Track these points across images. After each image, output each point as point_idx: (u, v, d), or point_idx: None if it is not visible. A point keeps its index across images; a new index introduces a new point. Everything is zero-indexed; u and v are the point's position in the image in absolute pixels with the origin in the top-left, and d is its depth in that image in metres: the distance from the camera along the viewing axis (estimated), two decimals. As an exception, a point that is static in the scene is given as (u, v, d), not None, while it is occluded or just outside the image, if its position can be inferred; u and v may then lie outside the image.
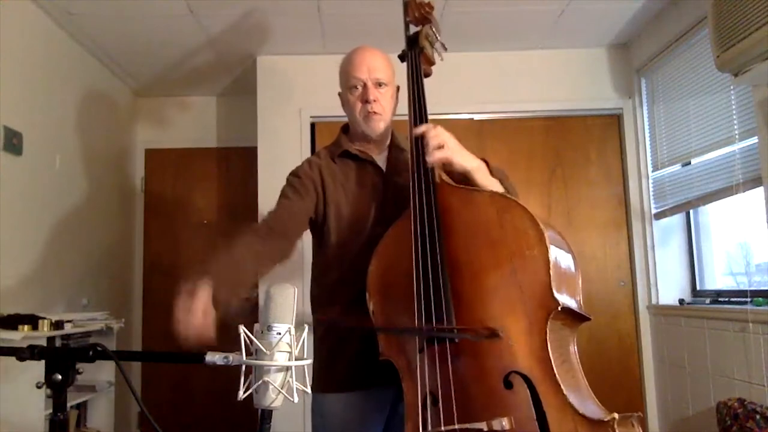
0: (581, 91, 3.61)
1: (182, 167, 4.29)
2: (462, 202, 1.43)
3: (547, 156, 3.62)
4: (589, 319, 1.35)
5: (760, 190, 2.45)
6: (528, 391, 1.22)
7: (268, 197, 3.53)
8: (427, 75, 1.69)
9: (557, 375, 1.21)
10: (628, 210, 3.54)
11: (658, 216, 3.39)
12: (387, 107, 1.64)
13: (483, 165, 1.52)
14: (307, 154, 3.58)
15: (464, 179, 1.50)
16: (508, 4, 3.08)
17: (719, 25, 2.31)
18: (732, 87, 2.64)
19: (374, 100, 1.60)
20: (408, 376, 1.35)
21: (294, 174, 1.67)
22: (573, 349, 1.35)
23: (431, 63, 1.69)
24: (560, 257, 1.33)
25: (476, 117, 3.64)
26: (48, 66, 3.05)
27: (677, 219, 3.37)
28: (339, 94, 1.71)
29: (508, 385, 1.23)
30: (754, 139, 2.50)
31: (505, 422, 1.19)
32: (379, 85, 1.62)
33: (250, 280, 1.53)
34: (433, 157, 1.44)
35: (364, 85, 1.61)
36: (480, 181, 1.49)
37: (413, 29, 1.72)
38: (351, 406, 1.56)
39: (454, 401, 1.26)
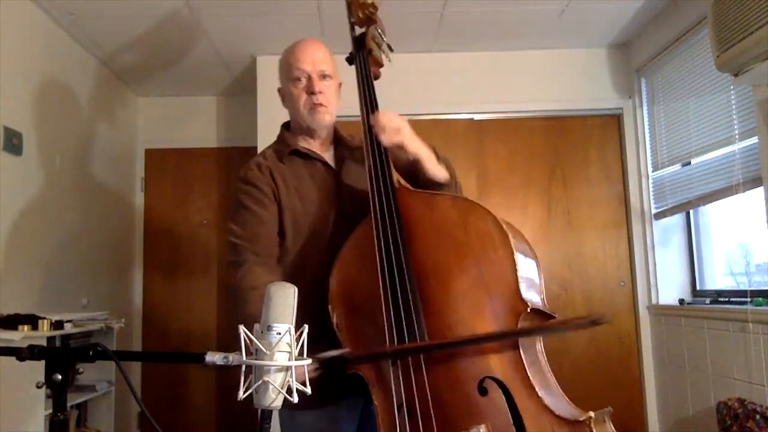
0: (581, 91, 3.61)
1: (182, 167, 4.29)
2: (423, 206, 1.40)
3: (547, 156, 3.62)
4: (554, 317, 1.32)
5: (760, 190, 2.45)
6: (503, 396, 1.20)
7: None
8: (377, 77, 1.64)
9: (530, 377, 1.19)
10: (628, 210, 3.54)
11: (658, 216, 3.39)
12: (332, 100, 1.58)
13: (432, 154, 1.52)
14: (307, 154, 3.58)
15: (410, 168, 1.51)
16: (508, 4, 3.07)
17: (719, 25, 2.31)
18: (732, 87, 2.64)
19: (320, 92, 1.54)
20: (379, 388, 1.30)
21: (247, 182, 1.53)
22: (540, 347, 1.32)
23: (380, 65, 1.65)
24: (524, 257, 1.31)
25: (476, 117, 3.64)
26: (48, 66, 3.05)
27: (677, 219, 3.37)
28: (279, 90, 1.63)
29: (483, 391, 1.21)
30: (754, 139, 2.50)
31: (482, 429, 1.17)
32: (324, 77, 1.56)
33: None
34: (390, 139, 1.44)
35: (309, 77, 1.54)
36: (430, 169, 1.50)
37: (358, 30, 1.68)
38: (323, 417, 1.49)
39: (430, 412, 1.22)
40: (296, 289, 0.89)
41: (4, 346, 0.93)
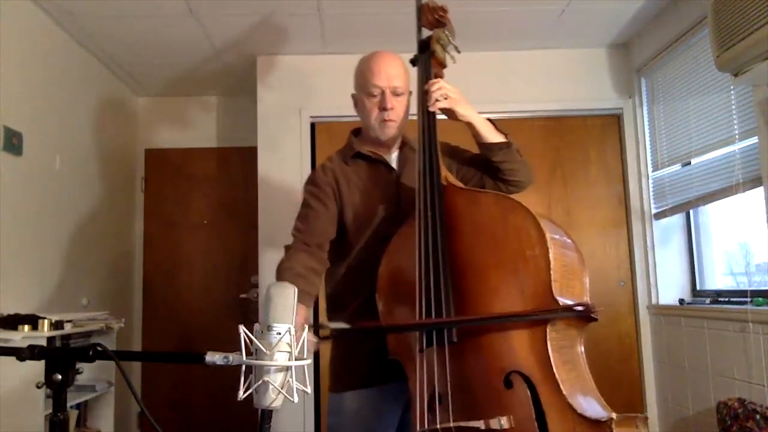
0: (581, 91, 3.61)
1: (182, 167, 4.29)
2: (467, 202, 1.45)
3: (547, 156, 3.62)
4: (595, 320, 1.36)
5: (760, 190, 2.45)
6: (528, 390, 1.23)
7: (268, 197, 3.52)
8: (439, 77, 1.69)
9: (557, 375, 1.22)
10: (628, 210, 3.54)
11: (658, 216, 3.39)
12: (401, 114, 1.68)
13: (487, 121, 1.62)
14: (307, 154, 3.58)
15: (485, 162, 1.64)
16: (508, 4, 3.07)
17: (719, 25, 2.31)
18: (732, 87, 2.63)
19: (391, 108, 1.64)
20: (413, 375, 1.36)
21: (311, 183, 1.71)
22: (579, 349, 1.36)
23: (443, 66, 1.71)
24: (564, 258, 1.33)
25: (476, 117, 3.63)
26: (48, 66, 3.05)
27: (677, 219, 3.37)
28: (352, 95, 1.74)
29: (509, 384, 1.25)
30: (754, 139, 2.50)
31: (504, 421, 1.20)
32: (397, 94, 1.66)
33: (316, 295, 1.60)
34: (435, 106, 1.54)
35: (383, 93, 1.64)
36: (483, 132, 1.61)
37: (425, 33, 1.74)
38: (367, 402, 1.59)
39: (453, 400, 1.27)
40: (296, 289, 0.89)
41: (4, 346, 0.93)
